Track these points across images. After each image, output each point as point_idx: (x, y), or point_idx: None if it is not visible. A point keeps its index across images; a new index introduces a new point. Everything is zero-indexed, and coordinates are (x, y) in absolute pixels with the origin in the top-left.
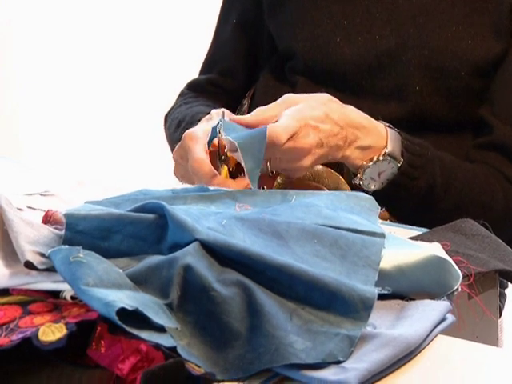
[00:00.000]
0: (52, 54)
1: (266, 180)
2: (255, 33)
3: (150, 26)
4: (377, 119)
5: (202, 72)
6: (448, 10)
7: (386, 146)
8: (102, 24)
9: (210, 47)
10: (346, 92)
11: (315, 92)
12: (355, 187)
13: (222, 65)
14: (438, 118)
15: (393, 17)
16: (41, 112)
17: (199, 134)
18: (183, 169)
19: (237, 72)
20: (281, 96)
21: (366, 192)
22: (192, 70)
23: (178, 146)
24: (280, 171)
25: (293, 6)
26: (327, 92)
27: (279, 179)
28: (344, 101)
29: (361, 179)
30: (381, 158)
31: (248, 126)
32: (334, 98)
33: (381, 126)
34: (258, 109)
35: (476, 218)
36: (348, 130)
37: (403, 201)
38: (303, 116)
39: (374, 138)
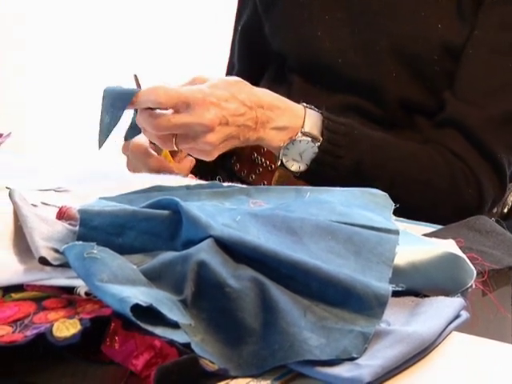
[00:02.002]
0: (58, 50)
1: (265, 174)
2: (257, 38)
3: (158, 23)
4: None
5: None
6: None
7: (303, 126)
8: (109, 22)
9: (230, 54)
10: (332, 85)
11: (309, 90)
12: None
13: (232, 73)
14: (419, 105)
15: (367, 8)
16: (48, 106)
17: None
18: (132, 161)
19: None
20: None
21: (294, 174)
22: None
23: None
24: (189, 151)
25: (281, 8)
26: (317, 88)
27: (277, 173)
28: (330, 95)
29: (282, 161)
30: (298, 137)
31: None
32: (245, 82)
33: (298, 107)
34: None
35: (417, 195)
36: (258, 110)
37: (332, 179)
38: (204, 92)
39: (290, 119)
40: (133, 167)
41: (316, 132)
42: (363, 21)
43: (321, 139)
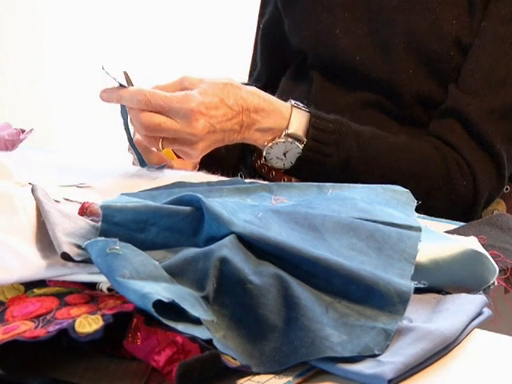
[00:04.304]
0: (80, 46)
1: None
2: (278, 36)
3: (182, 23)
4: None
5: (248, 79)
6: None
7: (287, 127)
8: (134, 20)
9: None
10: (351, 83)
11: (329, 87)
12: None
13: (255, 71)
14: (437, 102)
15: (384, 6)
16: (71, 103)
17: None
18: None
19: (261, 77)
20: (298, 95)
21: (278, 169)
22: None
23: None
24: (175, 151)
25: (300, 5)
26: (337, 85)
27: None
28: (350, 92)
29: (267, 158)
30: (281, 139)
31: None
32: (234, 82)
33: (284, 107)
34: (156, 84)
35: (409, 188)
36: (245, 114)
37: (320, 176)
38: (195, 100)
39: (275, 120)
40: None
41: (301, 132)
42: (381, 19)
43: (305, 140)
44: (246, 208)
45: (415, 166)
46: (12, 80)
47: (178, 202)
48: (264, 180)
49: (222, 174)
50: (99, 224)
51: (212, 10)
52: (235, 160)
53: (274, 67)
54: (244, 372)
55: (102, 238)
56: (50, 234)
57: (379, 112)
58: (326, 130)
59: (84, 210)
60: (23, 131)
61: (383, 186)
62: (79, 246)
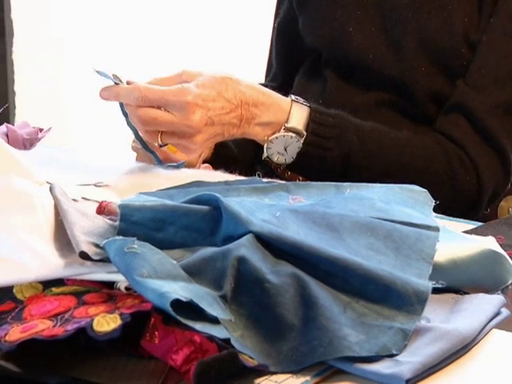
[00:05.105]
0: (97, 46)
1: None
2: (293, 34)
3: (196, 23)
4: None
5: (264, 79)
6: None
7: (287, 121)
8: (155, 21)
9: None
10: (364, 81)
11: (343, 86)
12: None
13: (270, 71)
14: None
15: (397, 4)
16: (89, 102)
17: None
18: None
19: (277, 76)
20: (312, 94)
21: (281, 166)
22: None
23: None
24: (175, 146)
25: (314, 3)
26: (351, 84)
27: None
28: (364, 91)
29: (268, 154)
30: (281, 133)
31: None
32: (233, 76)
33: (284, 102)
34: (154, 77)
35: (413, 183)
36: (243, 107)
37: (322, 171)
38: (191, 93)
39: (275, 114)
40: (140, 159)
41: (301, 126)
42: (393, 17)
43: (305, 134)
44: (263, 207)
45: (417, 160)
46: (30, 80)
47: (196, 201)
48: (280, 180)
49: (239, 174)
50: (117, 223)
51: (228, 10)
52: (249, 160)
53: (290, 66)
54: (261, 371)
55: (120, 237)
56: (68, 232)
57: (393, 110)
58: (326, 124)
59: (102, 209)
60: (41, 130)
61: (401, 185)
62: (97, 245)
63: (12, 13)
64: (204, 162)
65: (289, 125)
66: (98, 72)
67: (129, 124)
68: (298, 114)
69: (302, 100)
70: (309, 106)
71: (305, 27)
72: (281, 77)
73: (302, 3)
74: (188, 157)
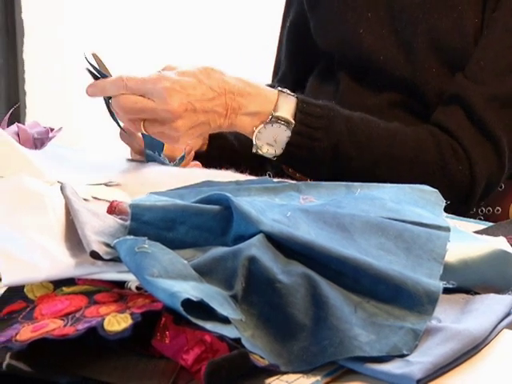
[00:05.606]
0: (106, 46)
1: None
2: (305, 36)
3: (202, 21)
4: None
5: (272, 79)
6: None
7: (274, 110)
8: (164, 22)
9: (276, 53)
10: (376, 83)
11: (356, 88)
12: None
13: (279, 71)
14: None
15: (407, 5)
16: (100, 101)
17: None
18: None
19: (286, 77)
20: (325, 96)
21: (271, 158)
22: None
23: None
24: (158, 136)
25: (325, 5)
26: (363, 86)
27: None
28: (377, 93)
29: (257, 146)
30: (269, 121)
31: None
32: (216, 67)
33: (271, 92)
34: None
35: (403, 173)
36: (228, 96)
37: (311, 162)
38: (170, 79)
39: (261, 104)
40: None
41: (289, 116)
42: (404, 18)
43: (293, 122)
44: (274, 207)
45: (407, 151)
46: (41, 79)
47: (207, 200)
48: (291, 180)
49: (250, 174)
50: (128, 223)
51: (233, 11)
52: (250, 154)
53: (300, 67)
54: (272, 371)
55: (131, 237)
56: (79, 232)
57: (405, 111)
58: (314, 114)
59: (113, 209)
60: (52, 130)
61: (411, 185)
62: (108, 245)
63: (23, 12)
64: (199, 155)
65: (276, 114)
66: (87, 61)
67: (113, 118)
68: (285, 104)
69: (288, 91)
70: (296, 97)
71: (316, 29)
72: (290, 78)
73: (313, 5)
74: (173, 145)
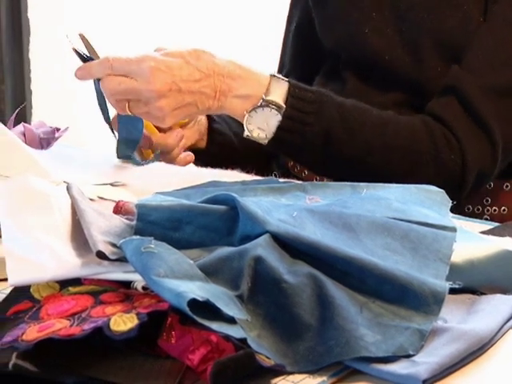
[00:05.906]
0: (118, 46)
1: None
2: (311, 36)
3: (206, 20)
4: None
5: None
6: None
7: (266, 94)
8: (168, 21)
9: (280, 53)
10: (382, 82)
11: (362, 88)
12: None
13: (283, 70)
14: None
15: (412, 5)
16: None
17: None
18: None
19: (290, 77)
20: None
21: (262, 143)
22: None
23: None
24: (144, 117)
25: (330, 5)
26: (369, 86)
27: None
28: (382, 92)
29: (248, 130)
30: (260, 104)
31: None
32: (206, 50)
33: (262, 76)
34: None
35: (395, 161)
36: (217, 78)
37: (303, 147)
38: (155, 59)
39: (253, 87)
40: None
41: (280, 100)
42: (408, 17)
43: (284, 107)
44: (280, 207)
45: (400, 139)
46: (47, 78)
47: (213, 200)
48: (297, 180)
49: (256, 174)
50: (134, 222)
51: (238, 9)
52: (251, 152)
53: (306, 68)
54: (278, 371)
55: (137, 237)
56: (85, 232)
57: (410, 111)
58: (306, 99)
59: (119, 209)
60: (58, 129)
61: (417, 186)
62: (114, 245)
63: (29, 11)
64: (198, 151)
65: (267, 97)
66: (71, 44)
67: (101, 104)
68: (277, 88)
69: (281, 76)
70: (288, 82)
71: (322, 29)
72: (294, 77)
73: (317, 5)
74: (159, 125)
